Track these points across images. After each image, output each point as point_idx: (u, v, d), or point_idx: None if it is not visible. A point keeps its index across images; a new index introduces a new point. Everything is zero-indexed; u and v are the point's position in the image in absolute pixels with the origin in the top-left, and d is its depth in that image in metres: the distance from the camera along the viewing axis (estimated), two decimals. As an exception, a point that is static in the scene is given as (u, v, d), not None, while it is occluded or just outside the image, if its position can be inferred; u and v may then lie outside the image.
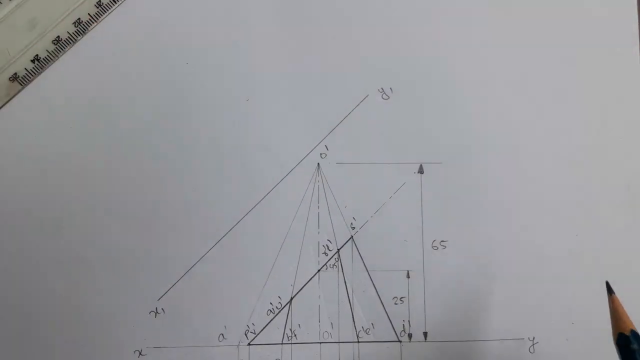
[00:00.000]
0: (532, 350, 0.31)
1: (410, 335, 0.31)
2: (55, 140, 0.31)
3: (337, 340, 0.30)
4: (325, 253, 0.31)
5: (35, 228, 0.30)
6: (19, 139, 0.30)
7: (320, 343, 0.30)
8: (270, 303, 0.30)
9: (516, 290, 0.31)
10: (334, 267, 0.31)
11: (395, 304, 0.31)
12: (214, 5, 0.32)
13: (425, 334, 0.31)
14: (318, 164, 0.31)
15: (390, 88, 0.32)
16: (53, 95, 0.31)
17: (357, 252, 0.31)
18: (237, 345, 0.30)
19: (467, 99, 0.32)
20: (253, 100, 0.32)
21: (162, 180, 0.31)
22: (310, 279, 0.31)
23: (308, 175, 0.31)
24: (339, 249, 0.31)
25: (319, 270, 0.31)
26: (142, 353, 0.30)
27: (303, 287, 0.31)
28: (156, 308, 0.30)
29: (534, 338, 0.31)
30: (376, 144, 0.32)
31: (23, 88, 0.31)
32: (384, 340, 0.30)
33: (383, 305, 0.31)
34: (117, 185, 0.31)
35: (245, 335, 0.30)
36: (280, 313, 0.30)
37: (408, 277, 0.31)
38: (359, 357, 0.30)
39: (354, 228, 0.31)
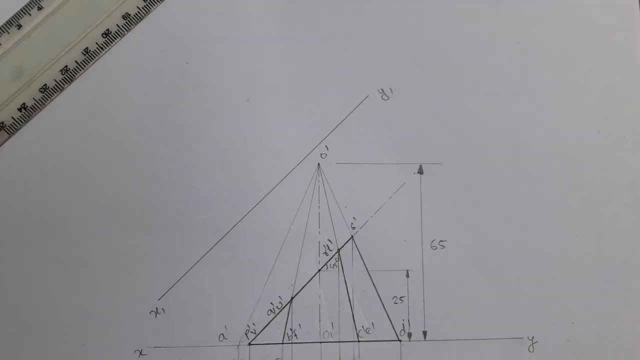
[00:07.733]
0: (531, 350, 0.31)
1: (410, 335, 0.31)
2: (55, 140, 0.31)
3: (338, 340, 0.30)
4: (325, 253, 0.31)
5: (35, 228, 0.30)
6: (19, 139, 0.30)
7: (321, 343, 0.30)
8: (271, 303, 0.30)
9: (516, 290, 0.31)
10: (334, 267, 0.31)
11: (395, 303, 0.31)
12: (214, 5, 0.32)
13: (424, 333, 0.31)
14: (318, 164, 0.31)
15: (390, 88, 0.32)
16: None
17: (357, 252, 0.31)
18: (238, 345, 0.30)
19: (467, 99, 0.32)
20: (253, 100, 0.32)
21: (162, 180, 0.31)
22: (311, 278, 0.31)
23: (308, 176, 0.31)
24: (339, 249, 0.31)
25: (319, 270, 0.31)
26: (142, 353, 0.30)
27: (303, 287, 0.31)
28: (156, 308, 0.30)
29: (533, 337, 0.31)
30: (376, 144, 0.32)
31: (10, 137, 0.30)
32: (384, 339, 0.31)
33: (383, 305, 0.31)
34: (117, 185, 0.30)
35: (246, 335, 0.30)
36: (280, 313, 0.30)
37: (407, 276, 0.31)
38: (359, 356, 0.30)
39: (354, 228, 0.31)
